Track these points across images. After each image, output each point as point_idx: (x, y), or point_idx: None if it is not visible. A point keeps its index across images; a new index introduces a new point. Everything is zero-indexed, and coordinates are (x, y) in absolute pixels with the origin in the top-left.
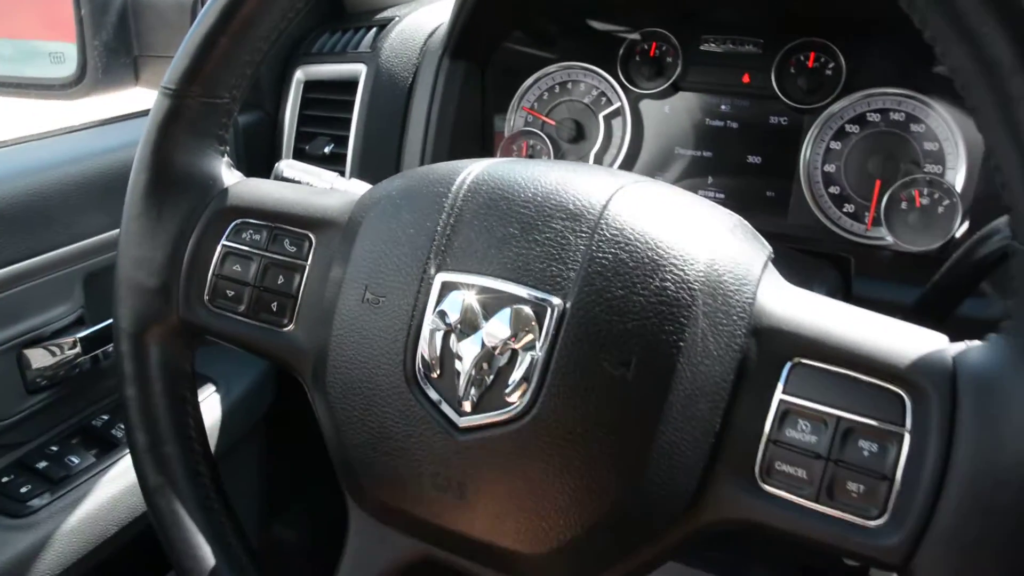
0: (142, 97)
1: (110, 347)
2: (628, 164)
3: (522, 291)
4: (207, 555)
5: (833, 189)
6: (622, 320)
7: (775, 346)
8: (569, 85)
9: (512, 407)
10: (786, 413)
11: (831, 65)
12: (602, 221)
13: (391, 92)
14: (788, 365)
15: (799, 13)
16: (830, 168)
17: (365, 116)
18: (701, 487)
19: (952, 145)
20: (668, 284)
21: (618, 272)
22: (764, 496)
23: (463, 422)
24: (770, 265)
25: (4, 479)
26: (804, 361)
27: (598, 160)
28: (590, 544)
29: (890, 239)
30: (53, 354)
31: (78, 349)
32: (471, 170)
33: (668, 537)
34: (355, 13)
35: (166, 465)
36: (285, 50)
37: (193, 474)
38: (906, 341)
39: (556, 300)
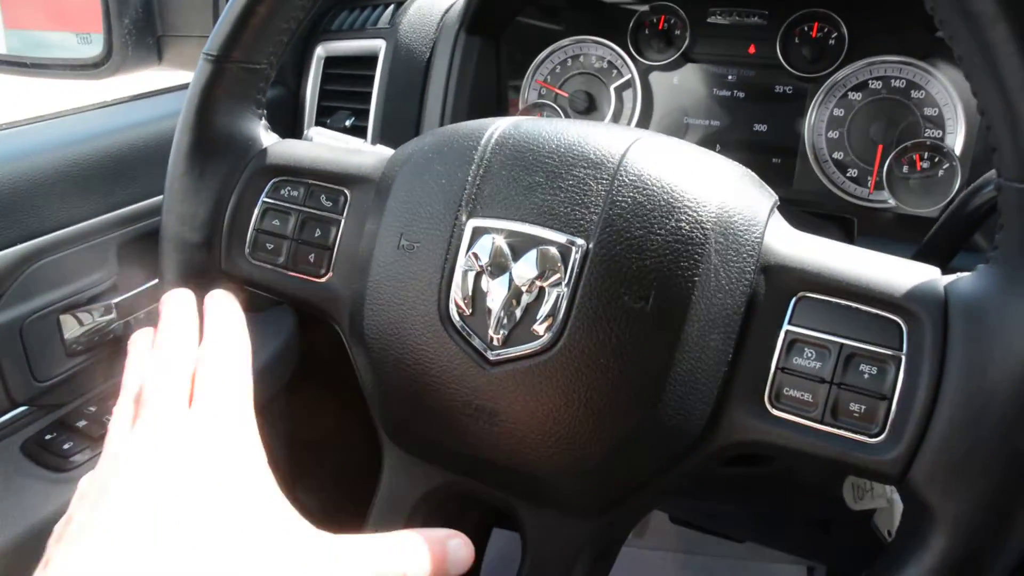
0: (165, 76)
1: (142, 314)
2: None
3: (548, 233)
4: None
5: (837, 155)
6: (641, 258)
7: (782, 282)
8: (581, 58)
9: (539, 340)
10: (793, 343)
11: (834, 35)
12: (621, 168)
13: (410, 66)
14: (794, 299)
15: None
16: (833, 135)
17: (385, 90)
18: (716, 412)
19: (951, 110)
20: (683, 224)
21: (636, 214)
22: (774, 419)
23: (494, 355)
24: (776, 211)
25: (47, 437)
26: (808, 295)
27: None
28: (614, 468)
29: (892, 202)
30: (89, 320)
31: (113, 315)
32: (498, 125)
33: (687, 460)
34: None
35: None
36: (306, 27)
37: None
38: (901, 273)
39: (580, 241)
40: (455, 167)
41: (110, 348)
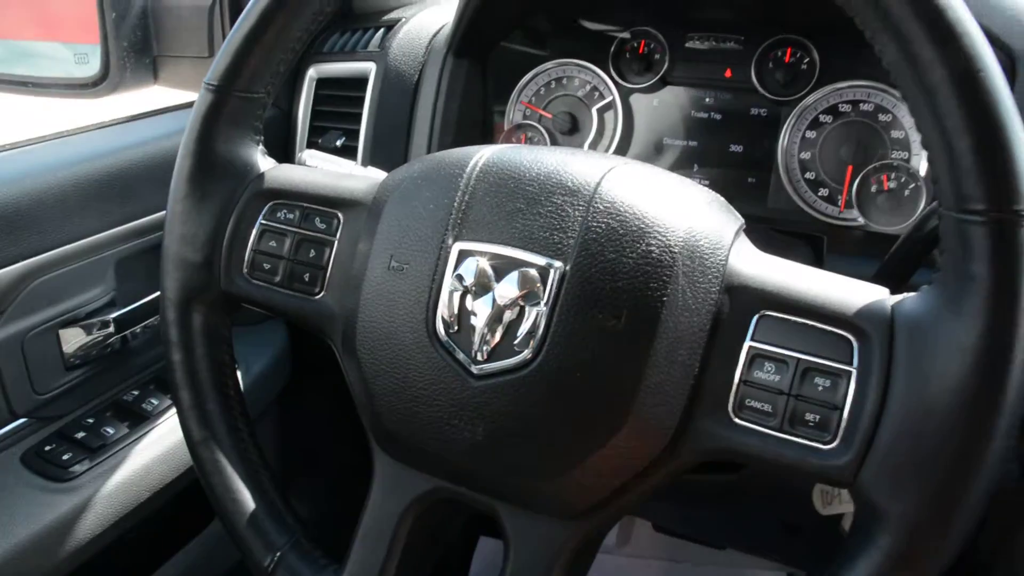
0: (161, 96)
1: (139, 328)
2: (620, 153)
3: (528, 256)
4: (247, 499)
5: (809, 175)
6: (614, 279)
7: (744, 301)
8: (564, 81)
9: (520, 355)
10: (754, 357)
11: (806, 60)
12: (596, 196)
13: (399, 88)
14: (756, 317)
15: (774, 14)
16: (806, 155)
17: (375, 111)
18: (684, 421)
19: (917, 133)
20: (653, 248)
21: (610, 239)
22: (737, 428)
23: (478, 370)
24: (742, 234)
25: (47, 448)
26: (769, 313)
27: (592, 150)
28: (591, 474)
29: (861, 220)
30: (87, 334)
31: (110, 329)
32: (483, 154)
33: (658, 467)
34: (363, 15)
35: (209, 420)
36: None
37: (233, 429)
38: (853, 293)
39: (558, 263)
40: (442, 193)
41: (108, 361)
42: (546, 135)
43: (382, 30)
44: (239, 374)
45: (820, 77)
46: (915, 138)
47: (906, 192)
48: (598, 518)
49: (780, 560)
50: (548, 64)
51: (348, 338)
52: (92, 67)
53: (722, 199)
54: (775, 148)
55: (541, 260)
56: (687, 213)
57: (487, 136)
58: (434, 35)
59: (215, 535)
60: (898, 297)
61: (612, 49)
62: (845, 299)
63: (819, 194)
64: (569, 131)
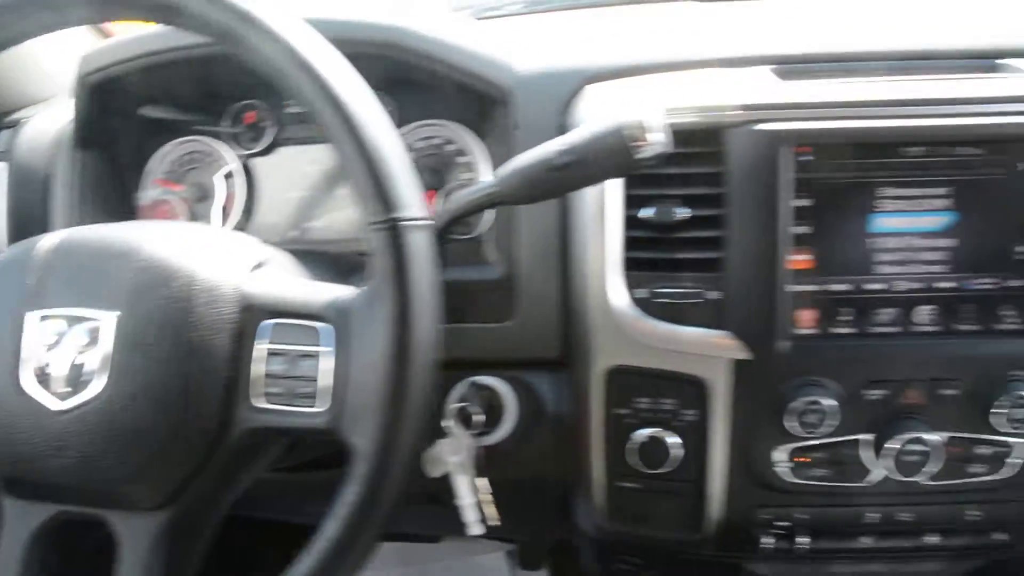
0: None
1: None
2: (249, 213)
3: (90, 312)
4: None
5: None
6: (154, 318)
7: (256, 315)
8: (192, 154)
9: (91, 390)
10: (269, 355)
11: (388, 109)
12: (137, 256)
13: (31, 186)
14: (264, 325)
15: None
16: None
17: (14, 209)
18: (224, 414)
19: (475, 156)
20: (176, 290)
21: (148, 287)
22: (264, 411)
23: (61, 407)
24: (263, 266)
25: None
26: (273, 320)
27: (225, 213)
28: (161, 468)
29: None
30: None
31: None
32: (53, 237)
33: (215, 453)
34: None
35: None
36: None
37: None
38: (326, 294)
39: (111, 313)
40: (20, 273)
41: None
42: (184, 205)
43: (7, 131)
44: None
45: (401, 119)
46: (476, 160)
47: None
48: (184, 502)
49: (454, 534)
50: (167, 147)
51: None
52: None
53: (254, 240)
54: None
55: (99, 313)
56: (206, 256)
57: (131, 215)
58: (61, 129)
59: None
60: (355, 293)
61: (228, 122)
62: (319, 300)
63: None
64: (201, 199)
